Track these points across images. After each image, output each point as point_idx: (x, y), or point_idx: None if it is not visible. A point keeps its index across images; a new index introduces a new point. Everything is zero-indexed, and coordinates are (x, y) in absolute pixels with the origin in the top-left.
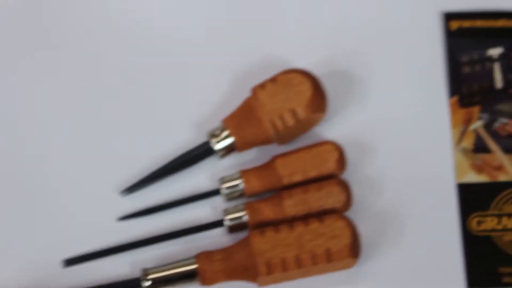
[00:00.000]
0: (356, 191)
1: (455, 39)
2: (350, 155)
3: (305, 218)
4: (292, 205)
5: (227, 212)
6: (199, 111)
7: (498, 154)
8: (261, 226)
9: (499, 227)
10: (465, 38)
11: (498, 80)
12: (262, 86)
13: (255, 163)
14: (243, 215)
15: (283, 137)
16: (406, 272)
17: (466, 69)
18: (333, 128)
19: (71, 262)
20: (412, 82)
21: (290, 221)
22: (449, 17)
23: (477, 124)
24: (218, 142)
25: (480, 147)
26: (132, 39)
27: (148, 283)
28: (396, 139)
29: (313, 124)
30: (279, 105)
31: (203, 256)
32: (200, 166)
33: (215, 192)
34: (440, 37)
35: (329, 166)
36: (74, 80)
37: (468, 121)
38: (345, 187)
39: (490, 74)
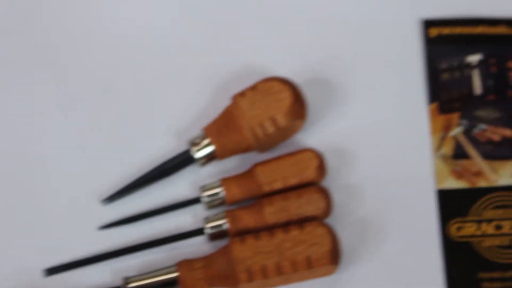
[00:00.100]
0: (336, 198)
1: (434, 46)
2: (330, 162)
3: (286, 225)
4: (272, 212)
5: (208, 220)
6: (180, 119)
7: (477, 160)
8: (242, 233)
9: (479, 233)
10: (444, 45)
11: (477, 87)
12: (242, 94)
13: (235, 171)
14: (224, 223)
15: (264, 144)
16: (387, 278)
17: (445, 76)
18: (313, 136)
19: (52, 271)
20: (392, 89)
21: (271, 229)
22: (429, 24)
23: (457, 131)
24: (198, 150)
25: (459, 153)
26: (113, 47)
27: None
28: (376, 146)
29: (293, 131)
30: (259, 113)
31: (184, 264)
32: (181, 174)
33: (196, 200)
34: (420, 44)
35: (309, 173)
36: (54, 89)
37: (447, 128)
38: (325, 194)
39: (469, 81)
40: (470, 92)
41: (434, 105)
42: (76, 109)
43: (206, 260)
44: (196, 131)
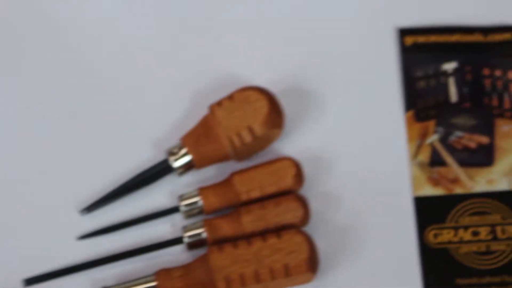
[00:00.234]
0: (314, 206)
1: (410, 54)
2: (307, 170)
3: (264, 233)
4: (250, 221)
5: (186, 229)
6: (157, 129)
7: (454, 167)
8: (220, 242)
9: (456, 239)
10: (420, 53)
11: (453, 94)
12: (219, 103)
13: (213, 180)
14: (202, 232)
15: (241, 153)
16: (365, 285)
17: (421, 84)
18: (290, 144)
19: (31, 281)
20: (368, 97)
21: (249, 237)
22: (404, 32)
23: (433, 138)
24: (176, 160)
25: (436, 161)
26: (90, 57)
27: None
28: (353, 153)
29: (270, 140)
30: (236, 122)
31: (163, 273)
32: (159, 184)
33: (174, 210)
34: (395, 52)
35: (287, 182)
36: (30, 100)
37: (424, 135)
38: (303, 203)
39: (445, 88)
40: (446, 100)
41: (410, 113)
42: (54, 118)
43: (185, 269)
44: (174, 140)
